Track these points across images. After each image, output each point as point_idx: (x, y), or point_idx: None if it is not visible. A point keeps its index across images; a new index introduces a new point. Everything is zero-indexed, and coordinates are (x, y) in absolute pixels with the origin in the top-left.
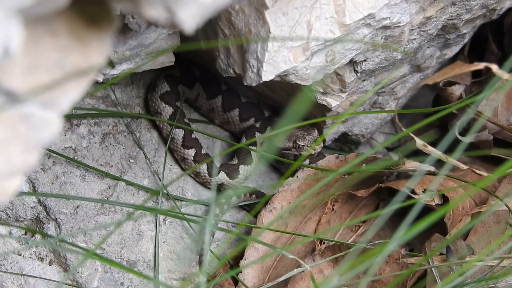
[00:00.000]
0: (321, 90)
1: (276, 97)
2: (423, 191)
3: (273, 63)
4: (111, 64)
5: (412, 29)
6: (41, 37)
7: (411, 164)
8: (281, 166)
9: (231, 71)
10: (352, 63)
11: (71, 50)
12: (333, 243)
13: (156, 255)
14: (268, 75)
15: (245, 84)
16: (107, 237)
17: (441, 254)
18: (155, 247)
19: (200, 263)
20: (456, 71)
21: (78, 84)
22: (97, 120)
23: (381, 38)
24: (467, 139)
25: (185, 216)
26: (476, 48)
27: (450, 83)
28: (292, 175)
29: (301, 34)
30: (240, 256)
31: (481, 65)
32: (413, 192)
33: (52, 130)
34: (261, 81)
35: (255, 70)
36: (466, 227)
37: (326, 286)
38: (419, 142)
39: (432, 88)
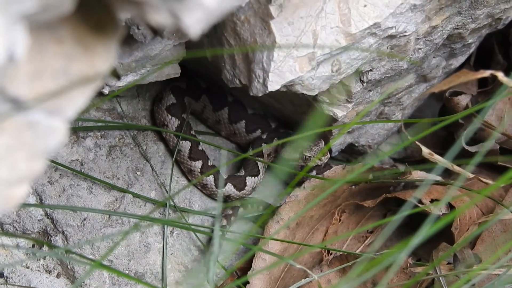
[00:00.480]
0: (327, 101)
1: (283, 109)
2: (430, 201)
3: (279, 73)
4: (117, 75)
5: (418, 39)
6: (46, 44)
7: (417, 174)
8: (287, 178)
9: (237, 81)
10: (358, 73)
11: (76, 57)
12: (341, 253)
13: (164, 267)
14: (274, 85)
15: (251, 94)
16: (114, 248)
17: (448, 263)
18: (162, 259)
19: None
20: (462, 79)
21: (83, 92)
22: (103, 132)
23: (387, 48)
24: (473, 149)
25: (192, 226)
26: (482, 58)
27: (456, 93)
28: (299, 185)
29: (307, 44)
30: (248, 267)
31: (486, 73)
32: (420, 202)
33: (57, 138)
34: (267, 91)
35: (261, 80)
36: (472, 235)
37: None
38: (425, 151)
39: (439, 99)
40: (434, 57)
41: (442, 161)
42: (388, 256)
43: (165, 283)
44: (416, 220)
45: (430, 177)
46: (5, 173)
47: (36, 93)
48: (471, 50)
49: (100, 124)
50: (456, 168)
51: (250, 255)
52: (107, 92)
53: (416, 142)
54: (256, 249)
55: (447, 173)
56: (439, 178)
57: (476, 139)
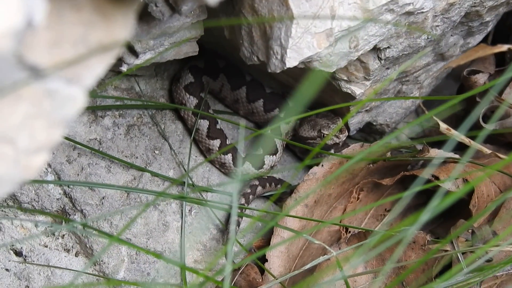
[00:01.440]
0: (345, 78)
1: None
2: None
3: (297, 49)
4: (135, 53)
5: (436, 16)
6: (65, 11)
7: (435, 152)
8: (306, 157)
9: (255, 58)
10: (376, 50)
11: (95, 25)
12: (359, 231)
13: (182, 246)
14: (292, 61)
15: (269, 71)
16: (130, 224)
17: (467, 240)
18: (181, 238)
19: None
20: (480, 53)
21: (102, 60)
22: (121, 111)
23: (405, 25)
24: (490, 126)
25: (210, 203)
26: (500, 38)
27: (474, 72)
28: (317, 164)
29: (325, 20)
30: (266, 246)
31: (504, 47)
32: (437, 179)
33: (76, 106)
34: (285, 68)
35: (279, 57)
36: (488, 209)
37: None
38: (443, 126)
39: (456, 79)
40: (451, 35)
41: (460, 136)
42: (398, 230)
43: (184, 262)
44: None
45: (447, 155)
46: (25, 142)
47: (55, 61)
48: (489, 29)
49: (118, 103)
50: (473, 143)
51: (267, 230)
52: (125, 70)
53: (434, 117)
54: (272, 224)
55: (465, 151)
56: (456, 156)
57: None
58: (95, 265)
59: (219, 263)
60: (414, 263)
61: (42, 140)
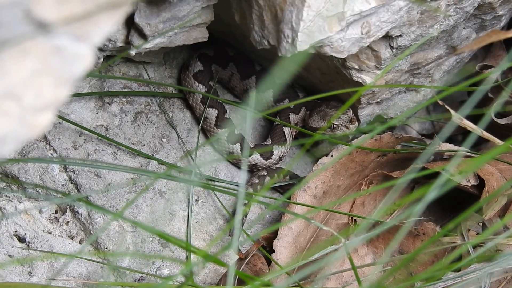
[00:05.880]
0: (356, 67)
1: (311, 77)
2: (459, 173)
3: (308, 32)
4: (144, 36)
5: (448, 5)
6: None
7: (446, 146)
8: (315, 149)
9: (266, 42)
10: (388, 38)
11: None
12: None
13: (188, 235)
14: (303, 45)
15: (280, 55)
16: (129, 205)
17: (477, 234)
18: (187, 227)
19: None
20: (493, 38)
21: (111, 17)
22: (129, 98)
23: (417, 13)
24: (503, 121)
25: (217, 188)
26: None
27: (486, 67)
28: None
29: (337, 3)
30: (274, 236)
31: None
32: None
33: (84, 64)
34: (296, 51)
35: (289, 40)
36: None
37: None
38: (455, 115)
39: (468, 74)
40: (464, 28)
41: (472, 127)
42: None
43: (190, 249)
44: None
45: (459, 150)
46: (31, 99)
47: (63, 16)
48: (502, 24)
49: (126, 89)
50: (486, 134)
51: (275, 222)
52: (133, 54)
53: (446, 106)
54: (275, 207)
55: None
56: (468, 151)
57: (505, 115)
58: (99, 252)
59: (226, 254)
60: (425, 256)
61: (48, 98)
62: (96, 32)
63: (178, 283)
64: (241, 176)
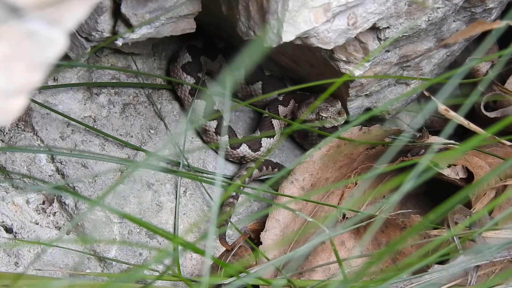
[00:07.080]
0: (344, 59)
1: (300, 70)
2: (448, 166)
3: (294, 23)
4: (130, 27)
5: None
6: None
7: (435, 139)
8: (304, 142)
9: (252, 33)
10: (375, 30)
11: None
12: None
13: (175, 227)
14: (288, 35)
15: (265, 45)
16: (109, 191)
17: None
18: (175, 219)
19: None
20: (478, 29)
21: (84, 2)
22: (117, 90)
23: (405, 4)
24: (492, 114)
25: (205, 179)
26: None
27: (476, 60)
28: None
29: None
30: (261, 228)
31: (503, 23)
32: (436, 166)
33: (56, 49)
34: (281, 42)
35: (275, 31)
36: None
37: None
38: (441, 107)
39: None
40: (454, 21)
41: (458, 118)
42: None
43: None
44: (435, 188)
45: (447, 142)
46: (3, 83)
47: (36, 0)
48: (493, 17)
49: (114, 81)
50: (472, 126)
51: (262, 213)
52: (120, 44)
53: (432, 98)
54: (262, 198)
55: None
56: (456, 144)
57: (495, 108)
58: (86, 243)
59: (214, 246)
60: (413, 248)
61: (20, 82)
62: (69, 17)
63: (159, 273)
64: (219, 160)
